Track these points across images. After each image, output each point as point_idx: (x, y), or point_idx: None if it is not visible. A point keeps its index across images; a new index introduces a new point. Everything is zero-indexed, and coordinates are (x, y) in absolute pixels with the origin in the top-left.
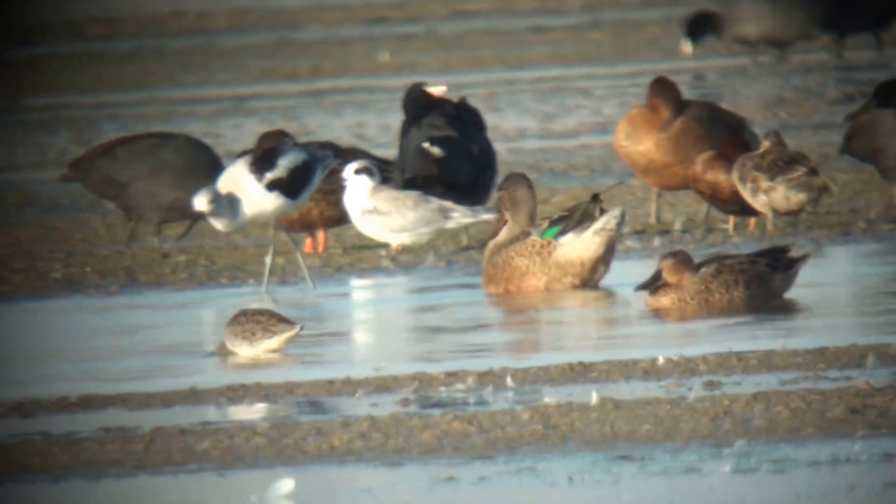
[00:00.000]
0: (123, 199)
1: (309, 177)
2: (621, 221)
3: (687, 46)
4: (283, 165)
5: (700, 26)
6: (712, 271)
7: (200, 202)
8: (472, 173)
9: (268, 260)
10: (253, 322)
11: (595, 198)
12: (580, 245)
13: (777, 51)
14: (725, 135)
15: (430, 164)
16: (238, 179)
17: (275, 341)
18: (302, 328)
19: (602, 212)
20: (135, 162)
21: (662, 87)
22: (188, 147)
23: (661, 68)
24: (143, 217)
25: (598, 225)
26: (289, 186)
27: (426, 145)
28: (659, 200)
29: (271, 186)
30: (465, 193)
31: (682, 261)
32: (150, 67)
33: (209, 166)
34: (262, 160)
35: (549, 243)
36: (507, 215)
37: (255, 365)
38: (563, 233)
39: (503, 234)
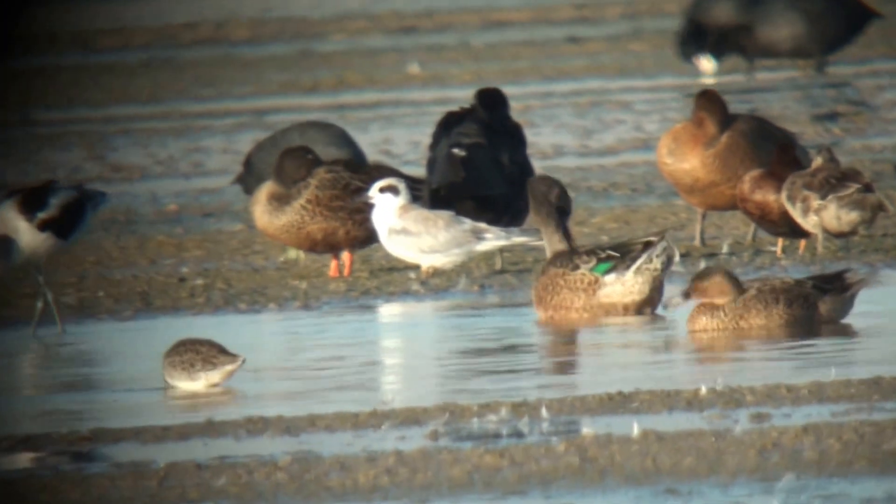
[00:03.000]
0: None
1: (81, 216)
2: (667, 261)
3: (706, 63)
4: (56, 204)
5: (697, 39)
6: (753, 292)
7: None
8: (503, 186)
9: (39, 304)
10: (192, 353)
11: (647, 245)
12: (622, 288)
13: (810, 62)
14: (775, 151)
15: (457, 170)
16: (8, 221)
17: (216, 374)
18: (244, 361)
19: (647, 248)
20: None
21: (709, 101)
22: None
23: (704, 81)
24: None
25: (638, 263)
26: (61, 226)
27: (455, 151)
28: (704, 222)
29: (43, 227)
30: (498, 213)
31: (715, 281)
32: (165, 80)
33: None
34: (31, 199)
35: (596, 280)
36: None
37: (275, 395)
38: (609, 272)
39: (547, 250)
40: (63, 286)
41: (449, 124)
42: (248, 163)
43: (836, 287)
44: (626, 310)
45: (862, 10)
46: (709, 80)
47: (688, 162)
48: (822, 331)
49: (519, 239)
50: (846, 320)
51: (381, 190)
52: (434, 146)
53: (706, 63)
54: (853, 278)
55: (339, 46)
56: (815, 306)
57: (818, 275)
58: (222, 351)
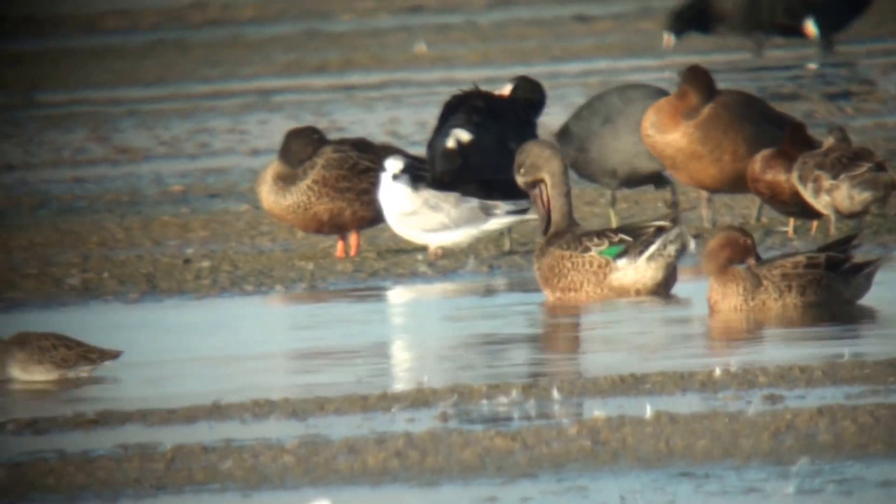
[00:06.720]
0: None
1: None
2: (681, 248)
3: (669, 39)
4: None
5: (687, 19)
6: (776, 274)
7: None
8: (507, 168)
9: None
10: (64, 347)
11: (660, 230)
12: (633, 273)
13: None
14: (786, 130)
15: (453, 158)
16: None
17: (88, 369)
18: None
19: (659, 232)
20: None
21: (694, 75)
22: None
23: (714, 60)
24: (601, 181)
25: (652, 250)
26: None
27: (448, 144)
28: (711, 204)
29: None
30: (505, 195)
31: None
32: (171, 61)
33: None
34: None
35: (606, 263)
36: (543, 187)
37: (282, 378)
38: (620, 255)
39: (556, 215)
40: (67, 267)
41: (445, 115)
42: (566, 132)
43: (851, 268)
44: (637, 294)
45: None
46: (717, 58)
47: (669, 133)
48: (835, 312)
49: (532, 212)
50: (858, 301)
51: (403, 171)
52: (434, 136)
53: (668, 39)
54: (870, 259)
55: (345, 26)
56: (832, 289)
57: (832, 243)
58: (90, 347)
